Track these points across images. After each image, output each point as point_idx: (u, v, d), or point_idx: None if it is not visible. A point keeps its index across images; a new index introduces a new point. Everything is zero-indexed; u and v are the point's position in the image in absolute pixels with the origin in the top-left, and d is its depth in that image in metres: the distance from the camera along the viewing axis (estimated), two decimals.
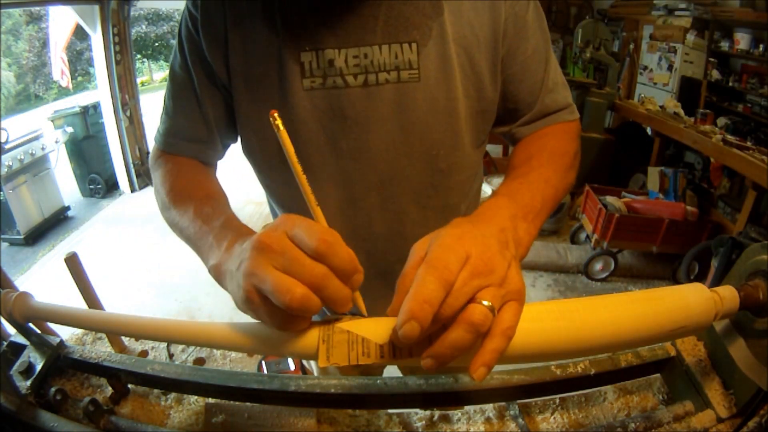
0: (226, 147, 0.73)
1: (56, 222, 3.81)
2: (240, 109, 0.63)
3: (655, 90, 4.20)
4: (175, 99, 0.67)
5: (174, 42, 0.68)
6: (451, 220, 0.43)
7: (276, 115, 0.38)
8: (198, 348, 0.90)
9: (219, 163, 0.74)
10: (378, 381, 0.53)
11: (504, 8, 0.60)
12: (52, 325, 0.63)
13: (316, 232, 0.36)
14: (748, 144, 2.50)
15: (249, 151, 0.68)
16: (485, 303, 0.34)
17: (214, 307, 2.58)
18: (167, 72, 0.69)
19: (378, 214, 0.67)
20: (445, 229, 0.40)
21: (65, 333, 0.68)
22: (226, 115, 0.66)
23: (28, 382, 0.53)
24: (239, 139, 0.69)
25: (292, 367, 0.98)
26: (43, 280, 2.91)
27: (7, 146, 3.27)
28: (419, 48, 0.58)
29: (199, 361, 0.82)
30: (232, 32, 0.59)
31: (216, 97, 0.64)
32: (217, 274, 0.45)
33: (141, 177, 4.40)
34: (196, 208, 0.57)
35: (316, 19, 0.57)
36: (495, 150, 4.10)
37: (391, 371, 0.87)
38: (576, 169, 0.65)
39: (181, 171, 0.66)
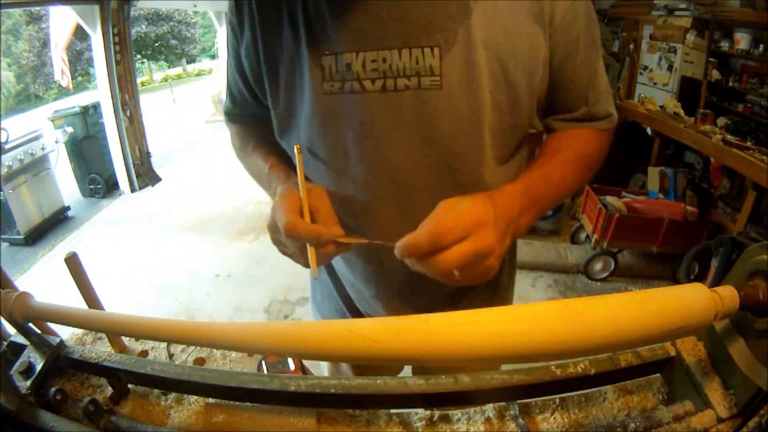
0: None
1: (56, 222, 3.81)
2: (274, 110, 0.65)
3: (655, 90, 4.20)
4: (231, 83, 0.73)
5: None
6: None
7: (297, 149, 0.56)
8: (198, 348, 0.90)
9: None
10: (378, 381, 0.53)
11: (548, 15, 0.56)
12: (52, 325, 0.63)
13: (282, 223, 0.52)
14: (748, 144, 2.50)
15: (280, 139, 0.71)
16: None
17: (214, 307, 2.58)
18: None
19: (395, 226, 0.62)
20: (467, 201, 0.51)
21: (65, 333, 0.68)
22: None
23: (28, 382, 0.53)
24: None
25: (292, 367, 0.98)
26: (43, 280, 2.92)
27: (7, 146, 3.27)
28: (442, 53, 0.54)
29: (200, 361, 0.82)
30: (263, 41, 0.61)
31: (263, 90, 0.67)
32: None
33: (141, 177, 4.40)
34: (252, 162, 0.73)
35: (336, 23, 0.56)
36: None
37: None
38: (596, 170, 0.68)
39: (243, 135, 0.78)
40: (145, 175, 4.43)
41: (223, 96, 0.79)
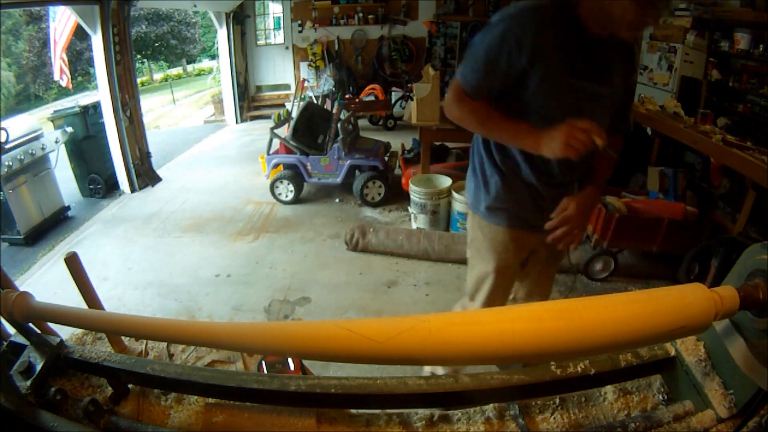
0: None
1: (56, 222, 3.81)
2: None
3: (655, 90, 4.20)
4: (483, 82, 1.12)
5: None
6: None
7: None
8: (197, 348, 0.90)
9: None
10: (378, 381, 0.53)
11: None
12: (52, 325, 0.63)
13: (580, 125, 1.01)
14: (748, 144, 2.50)
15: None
16: None
17: (214, 307, 2.58)
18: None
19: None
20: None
21: (65, 333, 0.68)
22: None
23: (28, 382, 0.53)
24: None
25: (292, 367, 0.98)
26: (43, 280, 2.91)
27: (7, 146, 3.26)
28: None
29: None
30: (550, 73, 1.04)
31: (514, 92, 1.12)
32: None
33: (141, 177, 4.40)
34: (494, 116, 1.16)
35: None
36: None
37: (392, 371, 0.86)
38: None
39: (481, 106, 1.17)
40: (145, 175, 4.43)
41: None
